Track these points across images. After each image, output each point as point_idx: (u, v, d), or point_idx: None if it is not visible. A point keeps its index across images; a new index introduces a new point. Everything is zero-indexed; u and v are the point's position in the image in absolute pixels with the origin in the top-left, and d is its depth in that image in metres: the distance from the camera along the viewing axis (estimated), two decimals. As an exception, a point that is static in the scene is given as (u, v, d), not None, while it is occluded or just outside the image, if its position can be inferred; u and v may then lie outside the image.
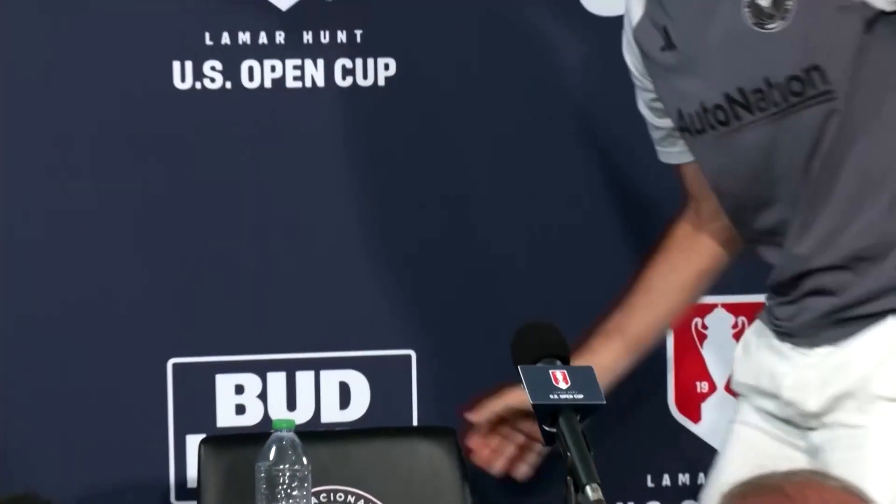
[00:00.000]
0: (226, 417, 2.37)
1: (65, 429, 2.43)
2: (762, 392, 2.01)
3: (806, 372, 1.92)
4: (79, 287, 2.36)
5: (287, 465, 2.00)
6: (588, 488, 1.69)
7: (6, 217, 2.34)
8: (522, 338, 1.92)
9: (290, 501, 2.01)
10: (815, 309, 1.94)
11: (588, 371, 1.83)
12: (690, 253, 2.16)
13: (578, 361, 1.82)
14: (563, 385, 1.84)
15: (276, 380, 2.38)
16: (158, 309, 2.39)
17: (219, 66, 2.32)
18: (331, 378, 2.39)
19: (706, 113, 2.00)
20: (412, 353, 2.44)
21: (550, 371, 1.80)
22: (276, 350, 2.38)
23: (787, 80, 1.92)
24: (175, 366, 2.38)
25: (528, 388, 1.79)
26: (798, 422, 1.96)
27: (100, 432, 2.46)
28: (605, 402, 1.77)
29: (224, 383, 2.38)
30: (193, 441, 2.32)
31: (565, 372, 1.79)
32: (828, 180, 1.92)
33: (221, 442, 2.30)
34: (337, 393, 2.39)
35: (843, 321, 1.95)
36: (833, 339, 1.95)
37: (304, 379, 2.39)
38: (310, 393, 2.39)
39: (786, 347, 1.98)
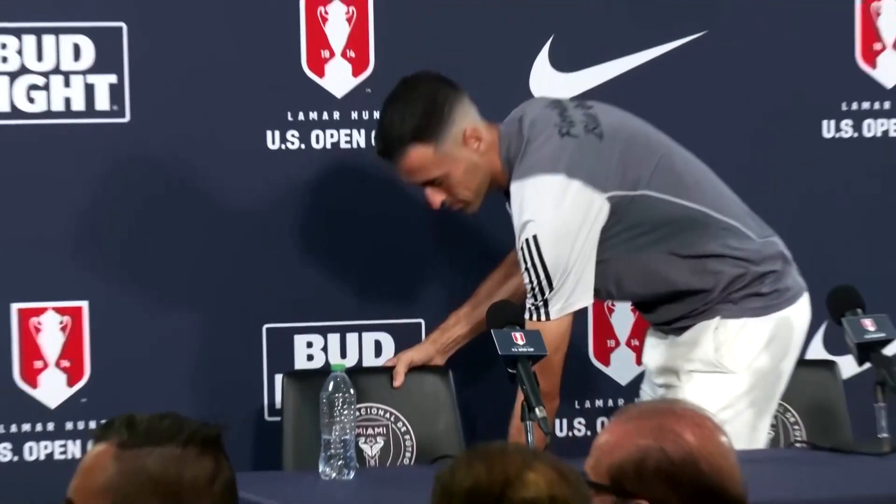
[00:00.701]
0: (300, 363, 3.49)
1: (184, 370, 3.49)
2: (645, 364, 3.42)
3: (652, 353, 3.34)
4: (206, 274, 3.50)
5: (340, 394, 2.98)
6: (536, 409, 2.81)
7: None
8: (493, 310, 3.04)
9: (342, 417, 2.97)
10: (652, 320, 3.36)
11: (537, 333, 2.94)
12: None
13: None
14: (520, 342, 2.94)
15: (333, 339, 3.52)
16: (256, 290, 3.53)
17: (297, 133, 3.47)
18: (369, 337, 3.54)
19: None
20: (422, 321, 3.60)
21: (512, 333, 2.90)
22: (333, 319, 3.52)
23: None
24: (268, 329, 3.52)
25: (498, 343, 2.88)
26: (655, 383, 3.36)
27: (214, 372, 3.53)
28: (546, 353, 2.91)
29: (300, 341, 3.51)
30: (279, 378, 3.42)
31: (522, 334, 2.91)
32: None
33: (297, 377, 3.41)
34: (373, 347, 3.54)
35: (666, 328, 3.32)
36: (664, 336, 3.32)
37: (352, 338, 3.53)
38: (355, 347, 3.54)
39: (653, 337, 3.38)
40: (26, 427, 3.46)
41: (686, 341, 3.28)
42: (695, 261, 3.23)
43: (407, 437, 3.43)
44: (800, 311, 3.30)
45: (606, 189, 3.19)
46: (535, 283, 3.23)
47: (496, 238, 3.59)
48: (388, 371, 3.44)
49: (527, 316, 3.29)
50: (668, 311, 3.35)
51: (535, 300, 3.22)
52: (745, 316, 3.26)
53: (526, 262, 3.22)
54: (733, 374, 3.24)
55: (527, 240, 3.19)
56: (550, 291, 3.20)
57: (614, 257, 3.27)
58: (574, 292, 3.25)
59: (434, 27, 3.68)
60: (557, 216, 3.23)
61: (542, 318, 3.25)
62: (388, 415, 3.43)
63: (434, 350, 3.49)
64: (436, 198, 3.27)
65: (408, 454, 3.45)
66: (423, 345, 3.57)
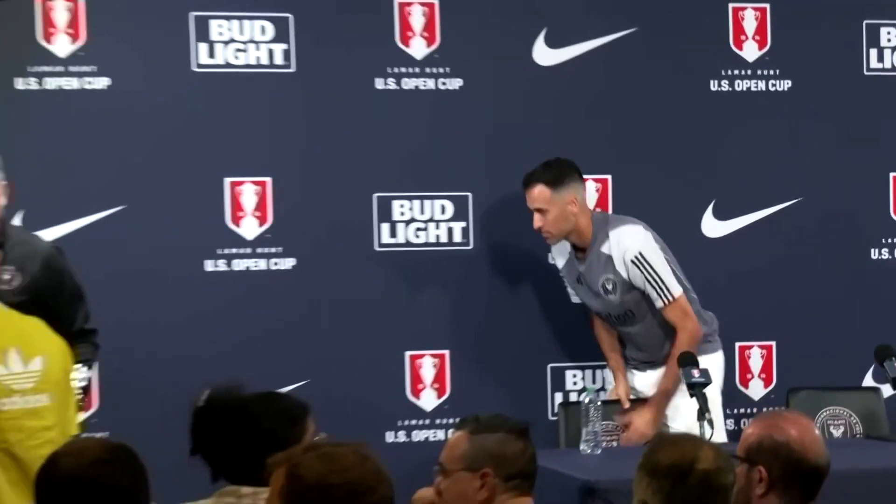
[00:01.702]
0: (569, 386, 5.75)
1: (338, 387, 5.42)
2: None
3: (643, 379, 5.49)
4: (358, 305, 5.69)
5: (592, 404, 4.96)
6: (706, 415, 4.71)
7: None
8: (680, 358, 5.01)
9: (593, 417, 4.91)
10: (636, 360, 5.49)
11: (706, 370, 4.91)
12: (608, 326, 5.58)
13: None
14: (696, 375, 4.89)
15: (588, 373, 5.76)
16: (395, 321, 5.66)
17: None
18: (595, 374, 5.77)
19: (597, 313, 5.53)
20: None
21: (692, 370, 4.98)
22: (584, 360, 5.78)
23: (622, 314, 5.38)
24: (552, 367, 5.77)
25: (684, 377, 4.88)
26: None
27: (363, 391, 5.56)
28: (711, 381, 4.93)
29: (569, 374, 5.77)
30: (559, 395, 5.68)
31: (697, 370, 4.95)
32: (637, 337, 5.45)
33: (568, 395, 5.64)
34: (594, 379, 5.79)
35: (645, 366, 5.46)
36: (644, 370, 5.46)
37: (590, 373, 5.80)
38: (591, 378, 5.81)
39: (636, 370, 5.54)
40: (413, 422, 5.73)
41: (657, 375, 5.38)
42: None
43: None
44: None
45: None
46: (655, 282, 5.28)
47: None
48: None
49: (661, 305, 5.30)
50: (660, 352, 5.41)
51: (662, 293, 5.28)
52: (709, 352, 5.32)
53: (644, 274, 5.26)
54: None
55: (633, 259, 5.26)
56: (665, 280, 5.28)
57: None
58: (676, 282, 5.30)
59: (469, 25, 5.78)
60: (646, 239, 5.33)
61: (671, 299, 5.29)
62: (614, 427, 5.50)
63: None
64: (537, 221, 5.32)
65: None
66: (623, 382, 5.56)
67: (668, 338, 5.38)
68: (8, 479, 3.75)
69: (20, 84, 5.50)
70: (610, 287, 5.39)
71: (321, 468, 2.59)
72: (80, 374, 4.53)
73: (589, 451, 5.00)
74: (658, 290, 5.30)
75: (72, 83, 5.51)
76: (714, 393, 5.18)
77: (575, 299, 5.70)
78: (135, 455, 2.80)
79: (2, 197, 4.66)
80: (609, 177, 5.99)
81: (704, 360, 5.21)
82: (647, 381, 5.48)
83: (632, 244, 5.33)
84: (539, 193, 5.38)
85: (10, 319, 3.97)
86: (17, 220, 5.26)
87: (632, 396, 5.53)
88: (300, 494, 2.57)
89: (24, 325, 4.01)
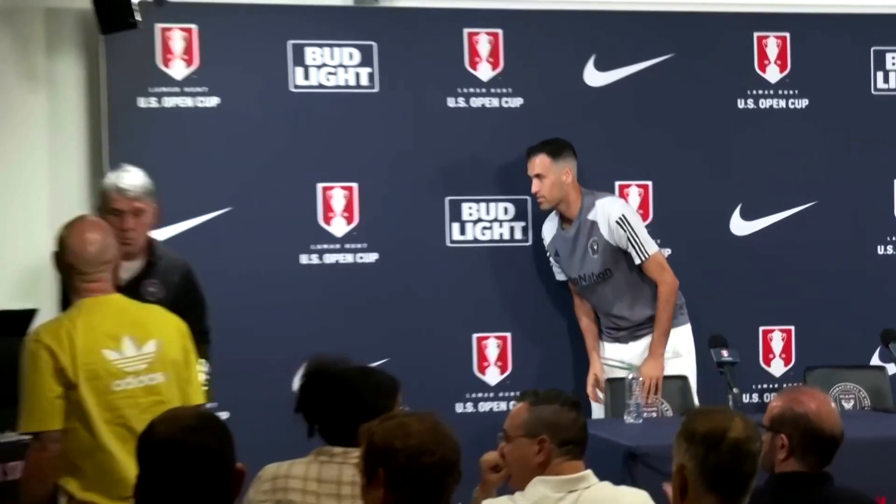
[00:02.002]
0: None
1: (414, 365, 5.59)
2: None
3: (622, 350, 6.09)
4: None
5: (633, 382, 5.65)
6: (733, 389, 5.29)
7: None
8: (711, 339, 5.61)
9: (634, 392, 5.43)
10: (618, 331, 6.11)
11: (735, 351, 5.48)
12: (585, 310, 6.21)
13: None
14: (725, 354, 5.50)
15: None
16: (464, 307, 6.22)
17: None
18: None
19: (577, 277, 6.09)
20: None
21: (721, 350, 5.53)
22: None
23: (602, 272, 6.01)
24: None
25: (714, 356, 5.45)
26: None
27: (436, 368, 6.06)
28: (739, 361, 5.51)
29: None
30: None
31: (726, 350, 5.46)
32: (610, 294, 6.05)
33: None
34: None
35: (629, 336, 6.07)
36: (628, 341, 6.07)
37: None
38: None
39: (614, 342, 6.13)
40: (479, 395, 6.26)
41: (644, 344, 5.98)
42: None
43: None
44: None
45: None
46: (635, 241, 5.89)
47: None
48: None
49: (640, 261, 5.90)
50: (632, 311, 6.05)
51: (641, 250, 5.88)
52: (680, 325, 5.98)
53: (627, 234, 5.87)
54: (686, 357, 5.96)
55: (617, 221, 5.89)
56: (642, 239, 5.89)
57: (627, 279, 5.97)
58: (651, 241, 5.92)
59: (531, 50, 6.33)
60: (626, 205, 6.04)
61: (648, 255, 5.88)
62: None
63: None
64: (535, 186, 5.97)
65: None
66: (597, 361, 6.10)
67: (638, 297, 6.05)
68: (127, 449, 3.95)
69: (142, 103, 6.03)
70: (595, 248, 5.99)
71: (388, 434, 2.93)
72: (204, 368, 4.70)
73: (632, 420, 5.37)
74: (638, 248, 5.92)
75: (186, 102, 6.07)
76: (689, 363, 6.05)
77: (560, 277, 6.26)
78: (221, 422, 2.86)
79: (153, 219, 5.14)
80: (650, 183, 6.48)
81: (675, 332, 5.99)
82: (633, 353, 6.06)
83: (615, 209, 5.98)
84: (540, 161, 6.03)
85: (127, 310, 4.24)
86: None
87: (617, 363, 6.06)
88: (372, 455, 2.92)
89: (141, 313, 4.30)
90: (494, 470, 3.85)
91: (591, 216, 6.02)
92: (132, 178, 5.17)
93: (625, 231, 5.92)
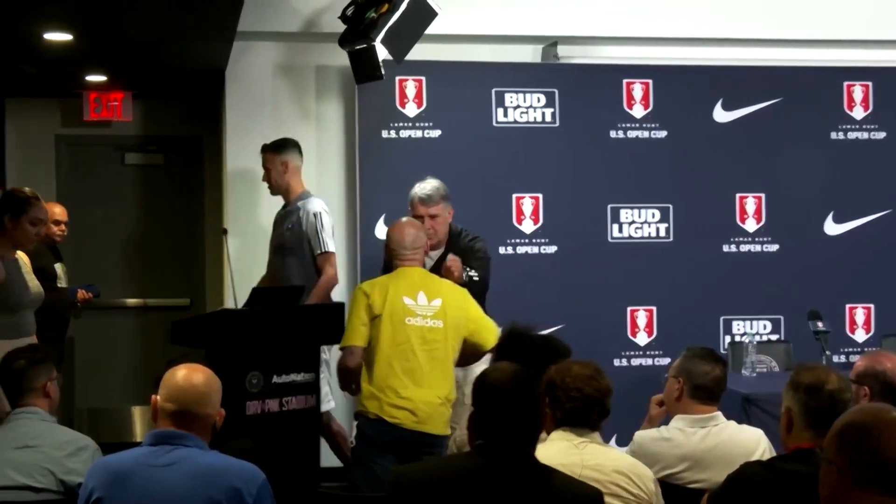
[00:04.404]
0: None
1: (582, 330, 6.64)
2: None
3: None
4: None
5: None
6: (826, 352, 6.39)
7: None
8: (811, 313, 6.81)
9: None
10: None
11: (827, 322, 6.58)
12: None
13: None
14: (820, 324, 6.65)
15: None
16: (620, 286, 7.23)
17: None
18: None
19: None
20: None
21: (817, 322, 7.17)
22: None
23: (291, 247, 6.43)
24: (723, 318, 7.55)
25: (812, 326, 6.58)
26: None
27: (598, 333, 6.96)
28: (830, 330, 6.60)
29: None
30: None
31: (821, 322, 6.71)
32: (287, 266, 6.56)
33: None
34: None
35: None
36: None
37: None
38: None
39: None
40: (631, 353, 7.26)
41: None
42: None
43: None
44: None
45: None
46: (319, 235, 6.13)
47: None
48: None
49: (317, 252, 6.06)
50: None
51: (321, 244, 6.10)
52: None
53: (316, 226, 6.08)
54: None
55: (314, 214, 6.09)
56: (326, 238, 6.08)
57: None
58: (332, 244, 6.08)
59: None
60: (325, 210, 6.15)
61: (323, 251, 6.10)
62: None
63: None
64: (264, 178, 6.47)
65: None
66: None
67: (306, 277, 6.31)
68: (403, 367, 5.07)
69: (385, 134, 7.13)
70: (289, 227, 6.43)
71: (557, 372, 3.54)
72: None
73: (748, 374, 6.26)
74: (320, 241, 6.29)
75: (417, 134, 7.15)
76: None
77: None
78: (533, 375, 3.11)
79: (449, 217, 6.05)
80: (763, 195, 7.51)
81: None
82: None
83: (315, 207, 6.35)
84: (265, 156, 6.58)
85: (424, 277, 5.29)
86: (380, 222, 6.90)
87: None
88: (548, 389, 3.44)
89: (434, 280, 5.32)
90: (659, 405, 4.30)
91: (300, 204, 6.46)
92: (425, 188, 6.07)
93: (315, 223, 6.35)
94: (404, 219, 5.68)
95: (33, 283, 5.64)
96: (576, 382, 3.54)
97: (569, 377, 3.55)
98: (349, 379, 5.37)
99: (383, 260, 5.91)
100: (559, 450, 3.51)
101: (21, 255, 5.69)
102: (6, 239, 5.57)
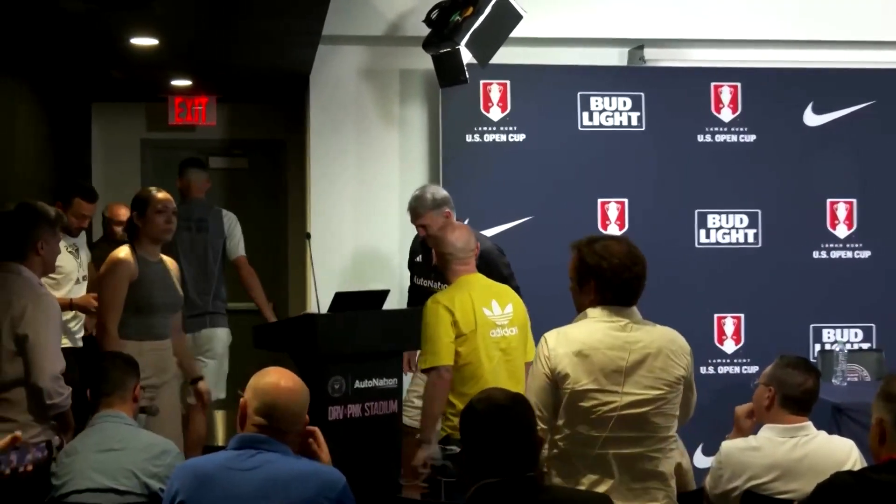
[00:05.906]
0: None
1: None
2: None
3: None
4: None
5: None
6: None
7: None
8: None
9: None
10: None
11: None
12: None
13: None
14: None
15: None
16: (708, 293, 7.24)
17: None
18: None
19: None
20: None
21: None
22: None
23: (213, 253, 7.14)
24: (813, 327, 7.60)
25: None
26: None
27: (686, 339, 6.98)
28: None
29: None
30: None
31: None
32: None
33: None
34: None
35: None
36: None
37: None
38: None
39: None
40: (718, 361, 7.31)
41: None
42: None
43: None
44: None
45: None
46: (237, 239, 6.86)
47: None
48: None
49: (235, 256, 6.81)
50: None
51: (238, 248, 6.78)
52: None
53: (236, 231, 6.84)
54: None
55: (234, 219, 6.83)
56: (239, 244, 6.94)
57: None
58: (243, 248, 6.86)
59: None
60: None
61: (239, 255, 6.88)
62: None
63: None
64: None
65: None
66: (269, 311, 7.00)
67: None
68: (496, 380, 4.97)
69: (469, 138, 7.23)
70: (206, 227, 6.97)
71: (597, 255, 3.67)
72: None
73: (838, 382, 6.29)
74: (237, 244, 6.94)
75: (501, 138, 7.23)
76: None
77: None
78: (525, 401, 3.21)
79: (444, 221, 5.88)
80: (854, 200, 7.55)
81: None
82: None
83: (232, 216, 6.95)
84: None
85: (488, 285, 5.29)
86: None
87: None
88: (585, 269, 3.60)
89: (497, 286, 5.34)
90: (749, 416, 4.25)
91: (224, 213, 7.17)
92: (410, 202, 6.18)
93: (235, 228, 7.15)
94: (449, 225, 5.68)
95: (173, 288, 5.80)
96: (623, 261, 3.61)
97: (616, 258, 3.61)
98: (440, 401, 5.20)
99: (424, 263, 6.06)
100: (604, 332, 3.66)
101: (168, 261, 5.88)
102: (145, 239, 5.75)
